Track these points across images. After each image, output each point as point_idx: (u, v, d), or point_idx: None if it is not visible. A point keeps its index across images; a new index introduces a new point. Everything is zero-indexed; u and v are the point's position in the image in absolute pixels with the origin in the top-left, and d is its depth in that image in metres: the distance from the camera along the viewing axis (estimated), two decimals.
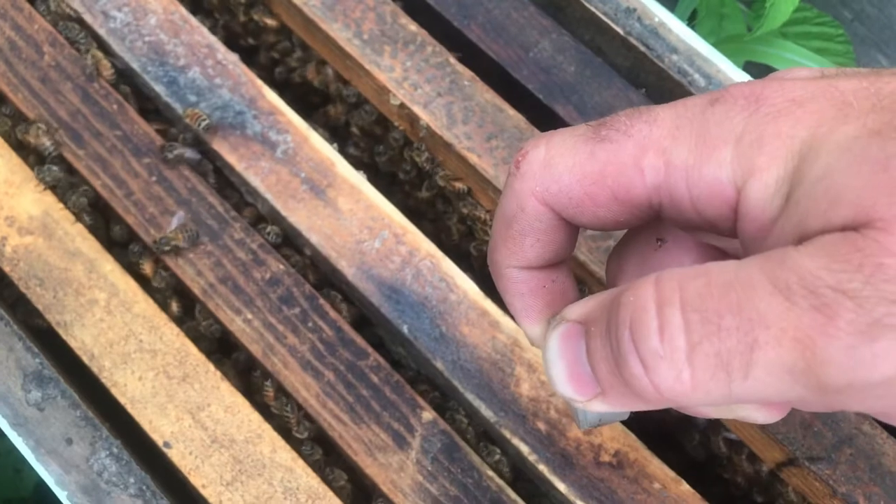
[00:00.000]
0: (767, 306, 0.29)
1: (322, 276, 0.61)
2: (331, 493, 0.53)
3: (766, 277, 0.29)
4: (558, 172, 0.35)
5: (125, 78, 0.65)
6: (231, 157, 0.61)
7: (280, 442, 0.54)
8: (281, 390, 0.56)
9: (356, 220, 0.60)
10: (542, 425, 0.55)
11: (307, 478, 0.53)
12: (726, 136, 0.33)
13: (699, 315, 0.29)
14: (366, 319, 0.60)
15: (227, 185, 0.63)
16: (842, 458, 0.54)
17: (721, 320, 0.29)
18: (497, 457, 0.55)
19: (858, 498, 0.53)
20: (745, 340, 0.29)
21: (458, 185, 0.63)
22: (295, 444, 0.55)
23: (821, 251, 0.29)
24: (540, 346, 0.39)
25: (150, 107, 0.66)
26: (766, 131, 0.32)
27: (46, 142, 0.60)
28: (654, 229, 0.39)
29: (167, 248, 0.57)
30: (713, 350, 0.29)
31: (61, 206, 0.59)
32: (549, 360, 0.35)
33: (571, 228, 0.38)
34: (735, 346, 0.29)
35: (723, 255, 0.39)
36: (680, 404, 0.31)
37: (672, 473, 0.54)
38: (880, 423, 0.55)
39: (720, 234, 0.36)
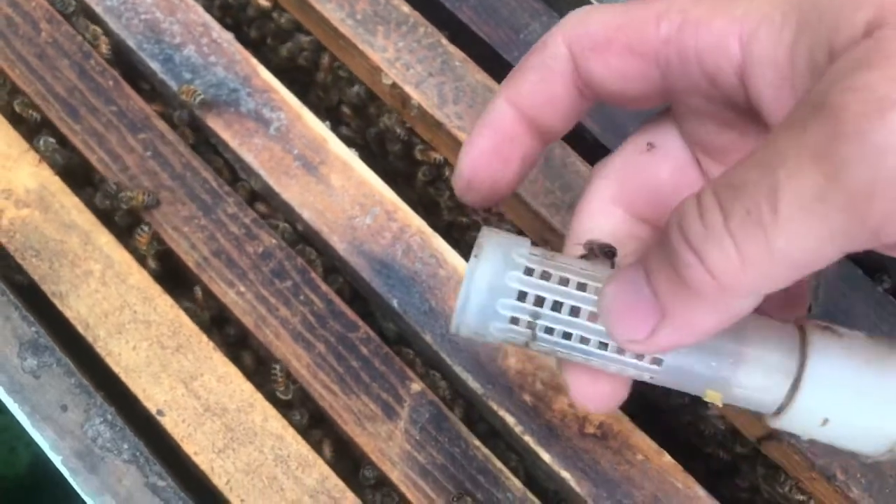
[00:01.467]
0: (784, 142, 0.28)
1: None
2: (320, 461, 0.54)
3: (788, 126, 0.28)
4: (590, 21, 0.37)
5: (120, 56, 0.66)
6: (225, 134, 0.62)
7: (271, 411, 0.55)
8: (272, 360, 0.57)
9: (348, 196, 0.61)
10: (528, 398, 0.56)
11: (297, 445, 0.54)
12: None
13: (728, 187, 0.29)
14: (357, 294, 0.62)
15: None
16: None
17: (745, 179, 0.29)
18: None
19: (836, 470, 0.55)
20: (767, 185, 0.28)
21: (435, 155, 0.64)
22: (285, 412, 0.56)
23: (831, 73, 0.28)
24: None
25: (144, 87, 0.66)
26: None
27: (33, 113, 0.61)
28: (646, 134, 0.40)
29: (125, 206, 0.59)
30: (743, 209, 0.28)
31: (58, 179, 0.60)
32: (606, 307, 0.34)
33: (575, 96, 0.38)
34: (761, 195, 0.28)
35: (711, 160, 0.39)
36: (742, 290, 0.30)
37: (655, 445, 0.56)
38: None
39: (718, 102, 0.36)
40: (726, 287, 0.30)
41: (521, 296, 0.36)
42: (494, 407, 0.56)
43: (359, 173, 0.61)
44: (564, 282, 0.36)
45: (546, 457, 0.55)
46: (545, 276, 0.36)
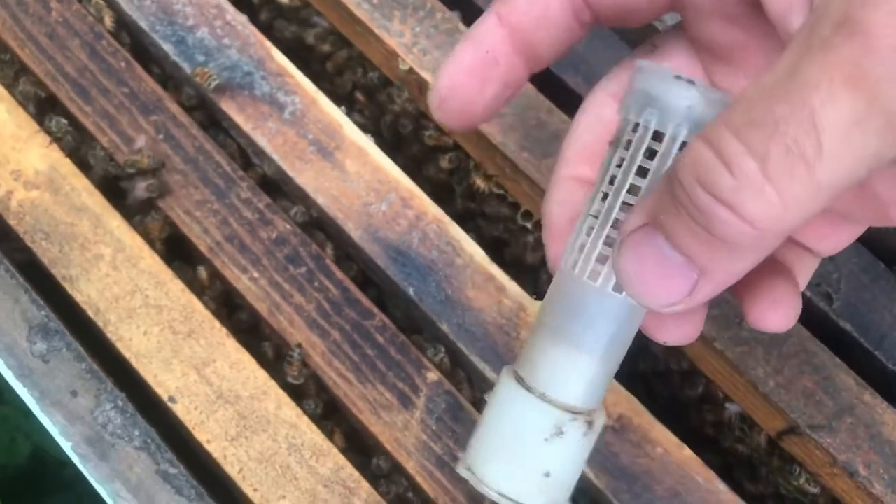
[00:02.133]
0: (811, 69, 0.26)
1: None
2: (335, 450, 0.53)
3: (805, 47, 0.27)
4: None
5: (132, 38, 0.65)
6: (239, 118, 0.61)
7: (285, 399, 0.54)
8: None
9: (363, 182, 0.60)
10: None
11: (311, 434, 0.53)
12: None
13: (753, 128, 0.27)
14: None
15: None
16: (842, 427, 0.55)
17: (774, 115, 0.27)
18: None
19: (858, 466, 0.54)
20: (804, 117, 0.26)
21: (446, 139, 0.63)
22: (299, 400, 0.55)
23: None
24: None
25: (155, 70, 0.65)
26: None
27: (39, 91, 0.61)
28: (651, 41, 0.39)
29: (132, 170, 0.58)
30: (782, 149, 0.27)
31: (68, 160, 0.59)
32: (631, 278, 0.32)
33: (570, 18, 0.37)
34: (798, 129, 0.26)
35: (714, 62, 0.38)
36: (783, 229, 0.29)
37: (675, 439, 0.55)
38: (880, 393, 0.55)
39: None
40: (768, 231, 0.28)
41: None
42: None
43: (374, 159, 0.60)
44: None
45: None
46: None
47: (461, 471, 0.40)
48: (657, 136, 0.34)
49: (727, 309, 0.57)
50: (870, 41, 0.25)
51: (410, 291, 0.57)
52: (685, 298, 0.32)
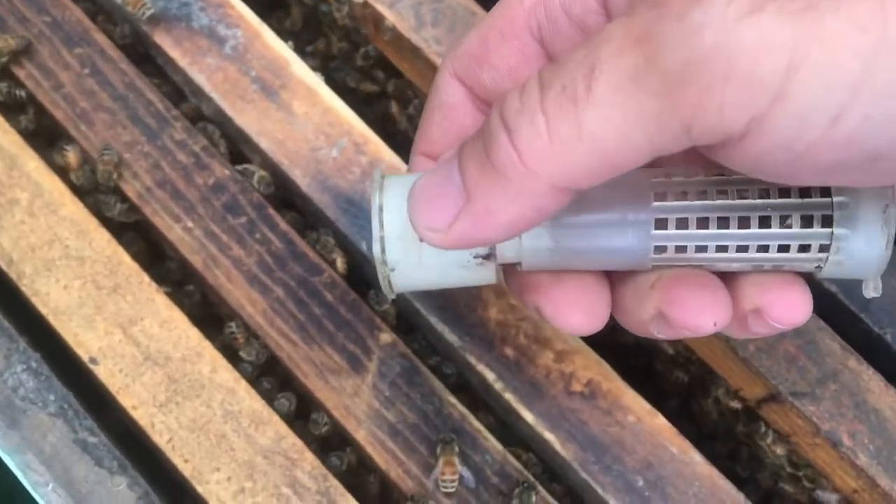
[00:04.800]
0: (614, 26, 0.28)
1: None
2: (276, 418, 0.48)
3: (616, 18, 0.28)
4: (464, 38, 0.37)
5: None
6: (174, 52, 0.55)
7: (221, 361, 0.49)
8: (225, 305, 0.51)
9: (311, 124, 0.54)
10: (509, 351, 0.51)
11: (250, 400, 0.48)
12: None
13: (552, 66, 0.29)
14: None
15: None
16: (826, 394, 0.51)
17: (571, 58, 0.28)
18: None
19: (842, 436, 0.50)
20: (587, 63, 0.27)
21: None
22: (237, 363, 0.50)
23: None
24: None
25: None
26: None
27: None
28: None
29: (4, 59, 0.53)
30: (559, 85, 0.28)
31: None
32: (413, 192, 0.33)
33: (475, 110, 0.38)
34: (579, 72, 0.27)
35: None
36: (547, 173, 0.29)
37: (647, 406, 0.50)
38: (866, 359, 0.52)
39: None
40: (531, 169, 0.29)
41: None
42: (472, 361, 0.50)
43: (324, 100, 0.55)
44: None
45: (528, 416, 0.50)
46: None
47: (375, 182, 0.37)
48: None
49: None
50: (663, 10, 0.26)
51: (363, 246, 0.52)
52: (444, 226, 0.31)
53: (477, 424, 0.49)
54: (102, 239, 0.50)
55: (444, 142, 0.38)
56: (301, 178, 0.53)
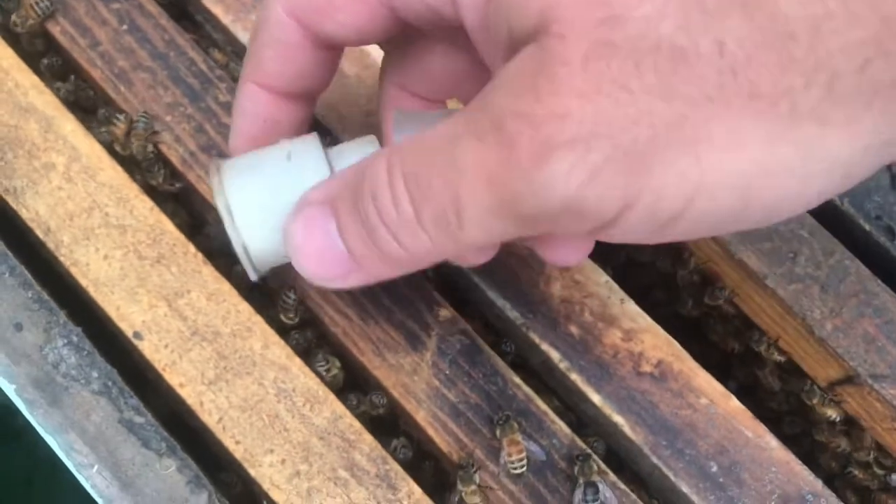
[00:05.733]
0: (464, 154, 0.30)
1: None
2: (332, 396, 0.45)
3: (468, 127, 0.30)
4: None
5: None
6: (217, 8, 0.52)
7: (273, 337, 0.46)
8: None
9: (364, 87, 0.51)
10: (574, 329, 0.48)
11: (305, 378, 0.45)
12: None
13: (416, 182, 0.32)
14: None
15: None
16: None
17: (431, 183, 0.31)
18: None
19: None
20: (449, 195, 0.31)
21: None
22: (291, 340, 0.47)
23: (508, 77, 0.29)
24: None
25: None
26: None
27: None
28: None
29: (22, 29, 0.51)
30: (433, 212, 0.32)
31: (12, 52, 0.49)
32: (295, 247, 0.36)
33: (319, 54, 0.38)
34: (445, 203, 0.31)
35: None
36: (435, 258, 0.35)
37: (720, 388, 0.48)
38: None
39: (450, 26, 0.35)
40: (421, 260, 0.35)
41: None
42: (536, 340, 0.48)
43: (377, 61, 0.51)
44: None
45: (596, 398, 0.47)
46: None
47: (213, 177, 0.40)
48: None
49: (779, 241, 0.50)
50: (512, 157, 0.29)
51: None
52: (338, 281, 0.37)
53: (543, 406, 0.47)
54: (144, 206, 0.47)
55: (282, 78, 0.39)
56: None
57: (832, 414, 0.51)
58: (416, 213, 0.32)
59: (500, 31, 0.31)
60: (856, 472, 0.53)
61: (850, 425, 0.52)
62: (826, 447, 0.53)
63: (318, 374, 0.45)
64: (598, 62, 0.27)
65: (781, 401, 0.55)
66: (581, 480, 0.45)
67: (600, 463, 0.46)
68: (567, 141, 0.28)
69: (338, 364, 0.47)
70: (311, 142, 0.40)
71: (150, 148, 0.48)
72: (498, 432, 0.45)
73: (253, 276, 0.41)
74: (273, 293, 0.48)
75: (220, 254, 0.47)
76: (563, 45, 0.28)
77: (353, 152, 0.40)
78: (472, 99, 0.31)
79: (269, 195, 0.39)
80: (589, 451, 0.46)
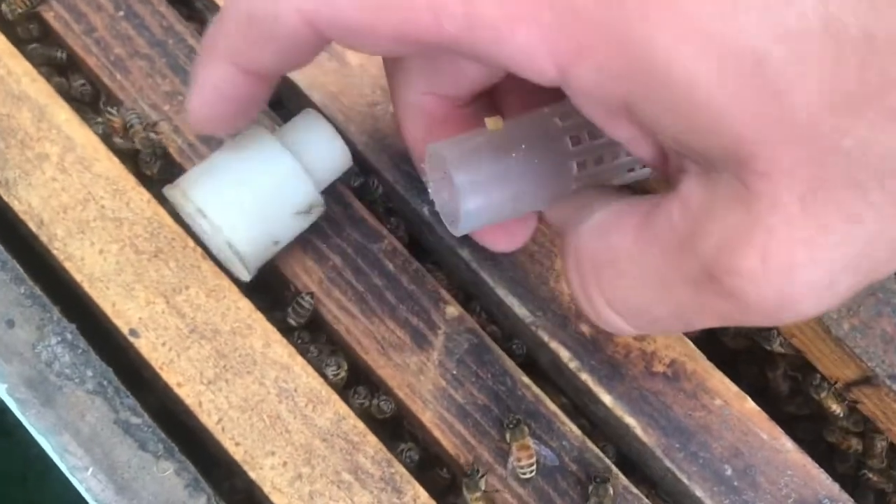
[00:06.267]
0: (681, 297, 0.29)
1: None
2: (335, 396, 0.44)
3: (678, 271, 0.29)
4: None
5: None
6: None
7: (275, 335, 0.44)
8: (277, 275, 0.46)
9: (368, 77, 0.49)
10: (585, 328, 0.46)
11: (307, 377, 0.44)
12: None
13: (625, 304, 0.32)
14: None
15: None
16: None
17: (651, 310, 0.31)
18: None
19: None
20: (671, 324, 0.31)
21: None
22: (292, 338, 0.45)
23: (712, 218, 0.27)
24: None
25: None
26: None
27: None
28: None
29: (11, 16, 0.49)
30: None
31: (3, 37, 0.48)
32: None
33: (321, 47, 0.33)
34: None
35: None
36: None
37: (735, 389, 0.46)
38: None
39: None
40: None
41: None
42: (545, 338, 0.46)
43: None
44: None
45: (607, 399, 0.46)
46: None
47: (169, 191, 0.41)
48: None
49: None
50: (742, 304, 0.27)
51: (426, 211, 0.48)
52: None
53: (553, 407, 0.45)
54: (141, 199, 0.46)
55: (275, 67, 0.35)
56: (357, 136, 0.48)
57: (838, 410, 0.49)
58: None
59: (647, 117, 0.27)
60: (871, 476, 0.52)
61: (863, 435, 0.51)
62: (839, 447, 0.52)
63: (324, 376, 0.44)
64: (817, 204, 0.25)
65: (801, 404, 0.54)
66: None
67: (618, 483, 0.44)
68: (805, 291, 0.27)
69: (346, 367, 0.45)
70: (256, 129, 0.41)
71: (154, 136, 0.46)
72: (508, 436, 0.43)
73: (245, 276, 0.41)
74: (273, 290, 0.46)
75: None
76: (773, 187, 0.25)
77: (299, 129, 0.43)
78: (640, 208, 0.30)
79: (236, 187, 0.40)
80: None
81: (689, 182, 0.28)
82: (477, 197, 0.36)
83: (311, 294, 0.45)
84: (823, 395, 0.49)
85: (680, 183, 0.28)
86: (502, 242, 0.43)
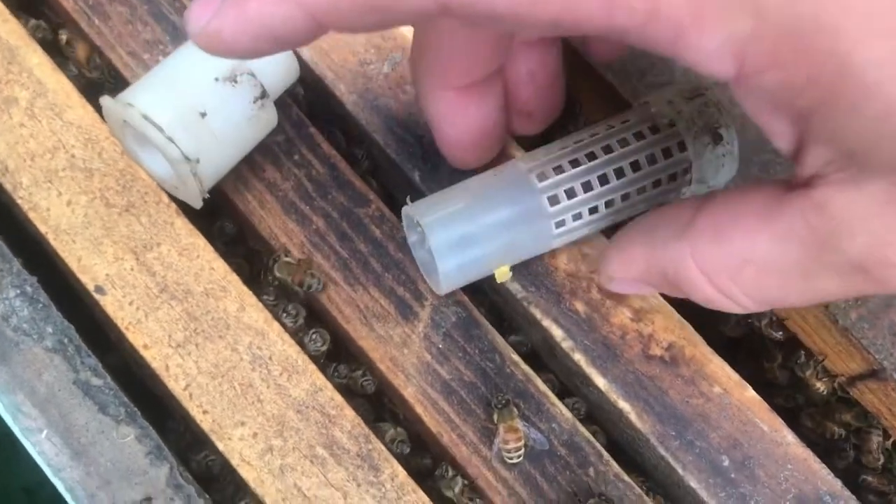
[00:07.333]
0: (826, 287, 0.32)
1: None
2: (312, 366, 0.41)
3: (820, 263, 0.31)
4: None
5: None
6: None
7: (251, 298, 0.42)
8: (257, 237, 0.43)
9: (361, 35, 0.47)
10: (580, 306, 0.44)
11: (283, 345, 0.41)
12: None
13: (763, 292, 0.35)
14: None
15: None
16: None
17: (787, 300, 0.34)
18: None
19: None
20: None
21: None
22: (269, 302, 0.43)
23: (863, 220, 0.29)
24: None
25: None
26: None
27: None
28: None
29: None
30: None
31: None
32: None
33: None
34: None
35: None
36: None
37: (736, 376, 0.44)
38: None
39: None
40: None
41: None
42: (538, 316, 0.44)
43: None
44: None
45: (600, 382, 0.43)
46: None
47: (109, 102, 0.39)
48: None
49: None
50: (889, 287, 0.30)
51: (416, 177, 0.45)
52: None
53: (543, 387, 0.43)
54: (115, 149, 0.43)
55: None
56: (346, 95, 0.46)
57: (823, 388, 0.47)
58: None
59: (819, 126, 0.28)
60: (869, 479, 0.49)
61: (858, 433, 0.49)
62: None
63: (304, 347, 0.41)
64: None
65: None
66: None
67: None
68: None
69: (329, 340, 0.43)
70: None
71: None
72: (495, 417, 0.41)
73: (198, 202, 0.40)
74: (257, 258, 0.44)
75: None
76: None
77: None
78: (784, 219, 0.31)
79: (153, 75, 0.39)
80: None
81: (827, 189, 0.30)
82: (454, 258, 0.39)
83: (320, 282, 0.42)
84: (808, 372, 0.47)
85: (813, 189, 0.30)
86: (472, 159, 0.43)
